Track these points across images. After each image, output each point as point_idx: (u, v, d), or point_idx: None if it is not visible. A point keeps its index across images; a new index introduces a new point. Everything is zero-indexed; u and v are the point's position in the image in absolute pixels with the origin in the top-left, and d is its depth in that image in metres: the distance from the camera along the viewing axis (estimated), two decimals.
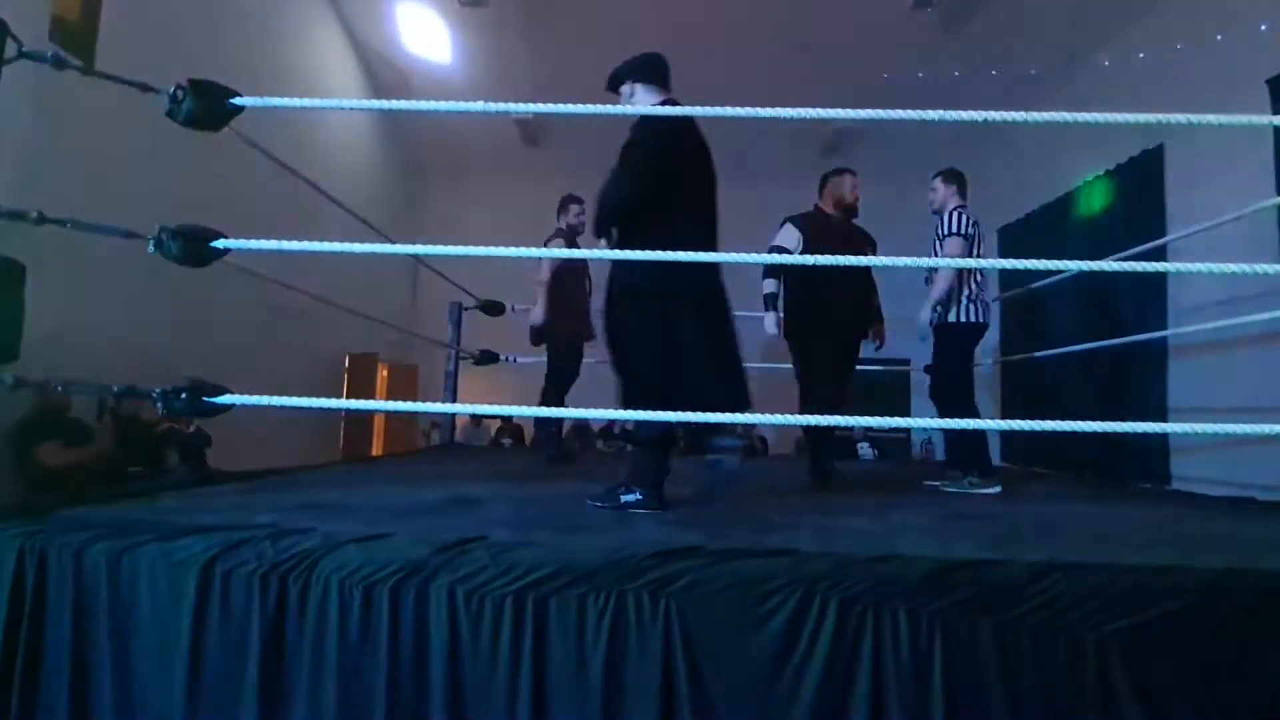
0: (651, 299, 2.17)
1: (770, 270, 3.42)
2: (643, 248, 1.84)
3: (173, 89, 1.74)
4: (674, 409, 1.72)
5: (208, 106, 1.70)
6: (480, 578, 1.32)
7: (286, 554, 1.35)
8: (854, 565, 1.34)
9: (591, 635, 1.30)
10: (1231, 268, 1.72)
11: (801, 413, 2.81)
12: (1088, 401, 5.44)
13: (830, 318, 3.27)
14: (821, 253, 2.95)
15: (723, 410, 1.74)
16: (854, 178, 3.49)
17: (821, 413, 1.83)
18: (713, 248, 2.28)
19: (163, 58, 4.04)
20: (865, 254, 3.38)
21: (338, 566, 1.35)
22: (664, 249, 1.74)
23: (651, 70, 2.47)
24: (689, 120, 2.33)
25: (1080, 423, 1.63)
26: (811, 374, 3.30)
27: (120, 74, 1.80)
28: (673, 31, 6.89)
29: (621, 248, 2.21)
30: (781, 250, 3.30)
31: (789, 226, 3.40)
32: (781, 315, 3.46)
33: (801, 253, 3.23)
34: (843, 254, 3.08)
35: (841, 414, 1.83)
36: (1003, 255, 7.16)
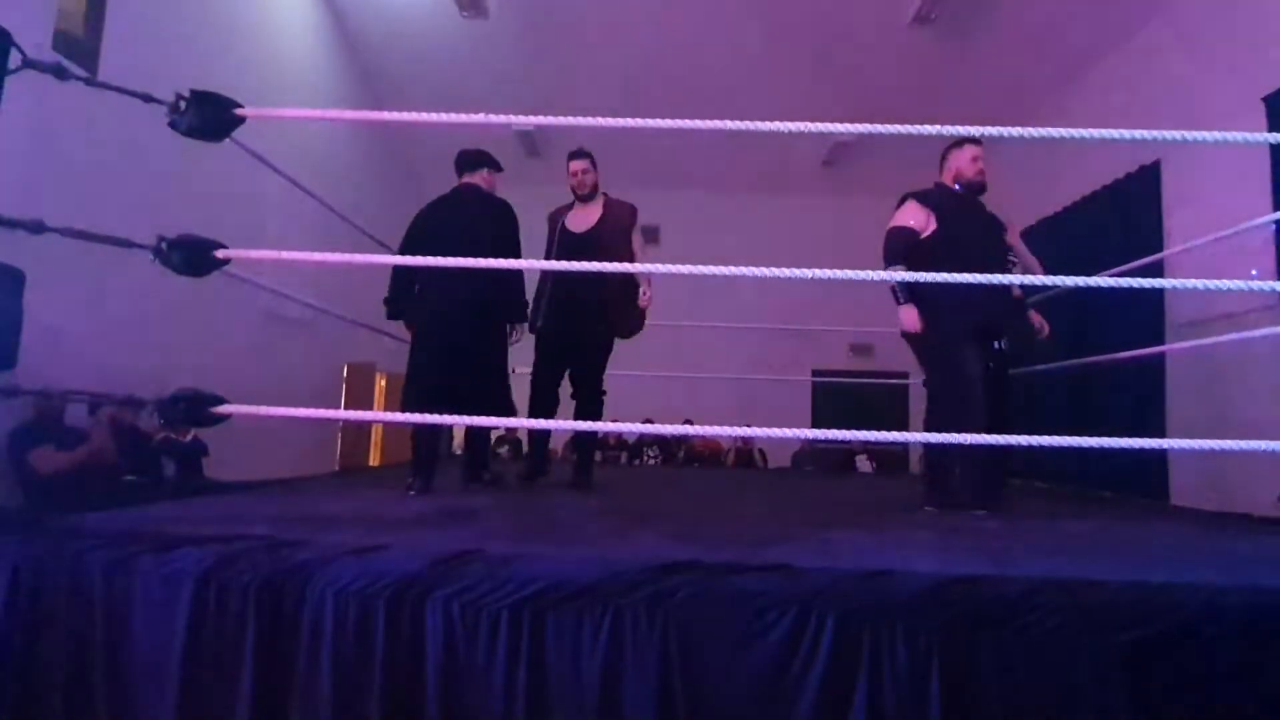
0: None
1: (896, 255, 2.83)
2: None
3: (175, 99, 1.75)
4: None
5: (210, 117, 1.71)
6: (476, 591, 1.32)
7: (282, 566, 1.35)
8: (850, 581, 1.33)
9: (588, 650, 1.29)
10: (1227, 284, 1.73)
11: (935, 429, 2.43)
12: (1084, 416, 5.45)
13: (978, 313, 2.71)
14: (958, 233, 2.79)
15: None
16: (976, 148, 2.98)
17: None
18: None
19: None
20: (1002, 240, 3.02)
21: (333, 579, 1.34)
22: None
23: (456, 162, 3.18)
24: (441, 200, 3.07)
25: (1085, 438, 1.63)
26: (962, 383, 2.70)
27: (111, 78, 1.82)
28: (672, 47, 6.97)
29: None
30: (908, 233, 2.85)
31: (912, 204, 2.92)
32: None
33: (934, 234, 2.81)
34: (982, 237, 2.84)
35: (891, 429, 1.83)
36: None
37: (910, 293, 2.75)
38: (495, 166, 3.18)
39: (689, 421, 7.92)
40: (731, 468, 7.48)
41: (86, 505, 1.83)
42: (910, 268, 2.74)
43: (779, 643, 1.28)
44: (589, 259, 2.90)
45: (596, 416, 3.27)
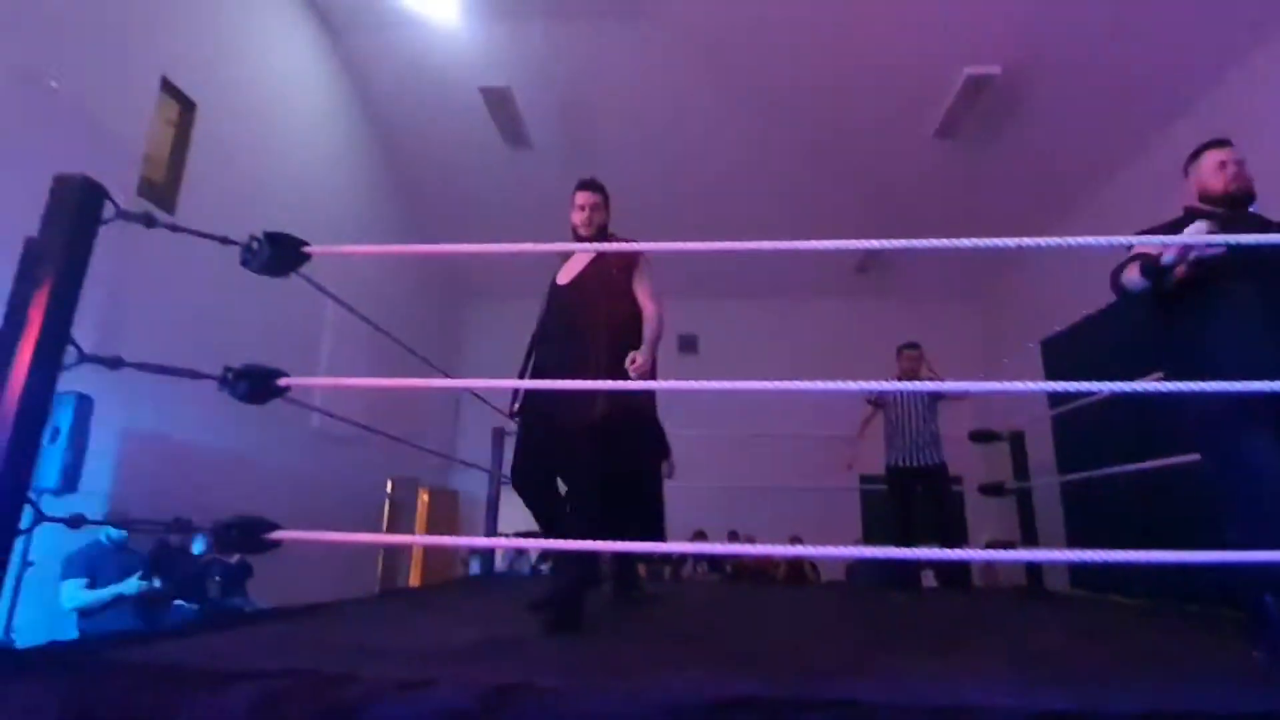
0: None
1: (1120, 272, 2.14)
2: None
3: (249, 240, 1.89)
4: None
5: (280, 256, 1.83)
6: None
7: (328, 702, 1.31)
8: (924, 718, 1.23)
9: None
10: None
11: (1236, 542, 1.79)
12: (1155, 520, 5.14)
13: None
14: (1225, 264, 1.98)
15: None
16: (1222, 151, 2.23)
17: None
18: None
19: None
20: None
21: (380, 716, 1.29)
22: None
23: None
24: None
25: (1193, 553, 1.51)
26: (1247, 475, 1.89)
27: (186, 215, 1.96)
28: (709, 167, 7.33)
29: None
30: (1144, 257, 2.07)
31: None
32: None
33: (1189, 271, 2.02)
34: (1264, 262, 1.97)
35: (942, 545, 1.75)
36: (1047, 369, 7.06)
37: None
38: None
39: (734, 533, 7.69)
40: (783, 582, 7.17)
41: (134, 635, 1.82)
42: (1165, 322, 2.12)
43: None
44: (571, 318, 2.50)
45: (652, 526, 2.69)
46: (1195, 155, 2.31)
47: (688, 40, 6.00)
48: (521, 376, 2.56)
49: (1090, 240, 1.95)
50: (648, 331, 2.51)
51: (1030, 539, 4.65)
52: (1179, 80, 5.49)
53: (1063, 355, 6.90)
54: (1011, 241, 1.89)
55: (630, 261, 2.61)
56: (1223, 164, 2.21)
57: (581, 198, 2.66)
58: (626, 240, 2.61)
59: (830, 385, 1.73)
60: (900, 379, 4.50)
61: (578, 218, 2.65)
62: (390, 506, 7.55)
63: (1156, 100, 5.73)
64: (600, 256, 2.61)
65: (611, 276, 2.57)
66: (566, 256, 2.72)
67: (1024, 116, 6.30)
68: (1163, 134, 5.88)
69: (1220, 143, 2.27)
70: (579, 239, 2.65)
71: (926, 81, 6.00)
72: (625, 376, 2.33)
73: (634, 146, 7.11)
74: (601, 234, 2.68)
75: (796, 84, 6.30)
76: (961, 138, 6.50)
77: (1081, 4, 5.21)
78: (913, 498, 4.36)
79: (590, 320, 2.48)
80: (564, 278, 2.64)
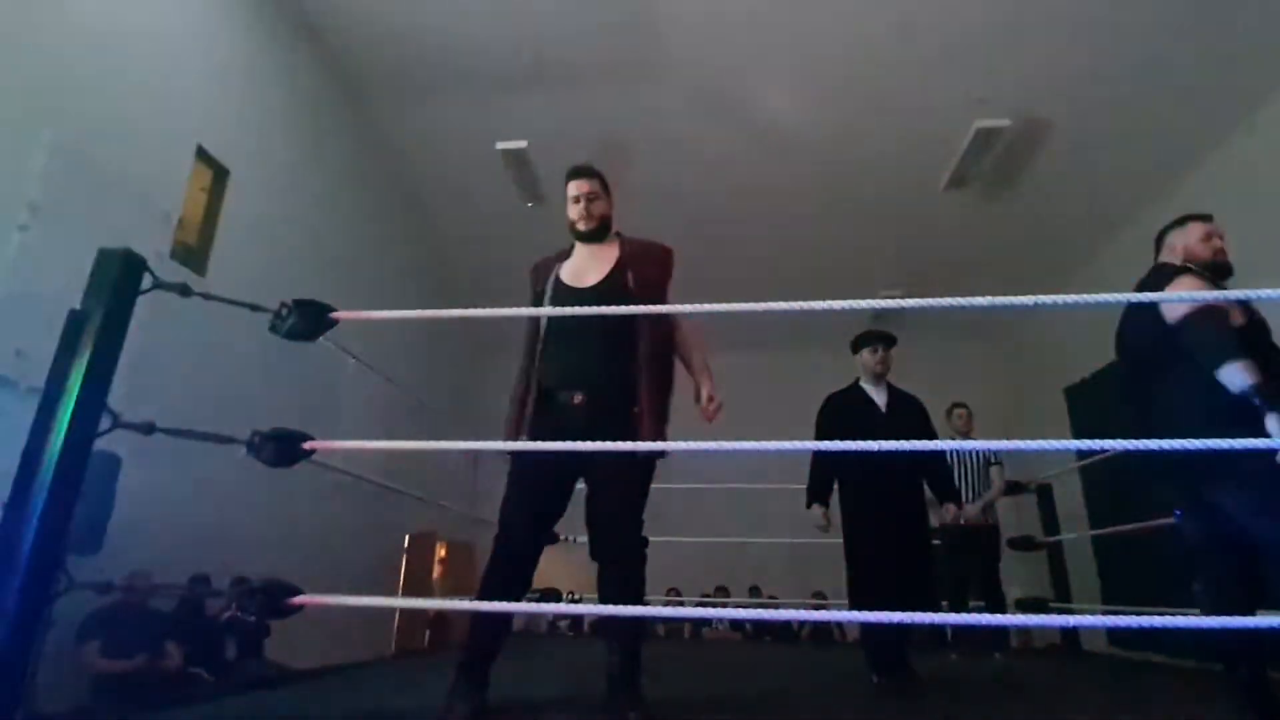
0: None
1: (1232, 345, 1.93)
2: None
3: (279, 307, 1.93)
4: None
5: (308, 322, 1.87)
6: None
7: None
8: None
9: None
10: None
11: None
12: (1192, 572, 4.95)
13: None
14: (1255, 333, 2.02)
15: None
16: (1209, 224, 2.32)
17: None
18: None
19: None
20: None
21: None
22: None
23: None
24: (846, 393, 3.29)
25: None
26: None
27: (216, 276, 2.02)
28: (722, 221, 7.43)
29: None
30: (1225, 315, 2.01)
31: (1193, 280, 2.12)
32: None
33: (1245, 329, 2.04)
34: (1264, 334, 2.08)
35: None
36: (1071, 416, 6.95)
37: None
38: (891, 342, 3.24)
39: (755, 587, 7.55)
40: (807, 640, 6.98)
41: (149, 701, 1.81)
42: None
43: None
44: (604, 328, 1.98)
45: (638, 589, 1.98)
46: (1180, 223, 2.38)
47: (699, 98, 6.16)
48: (525, 396, 2.14)
49: (1104, 297, 1.92)
50: (699, 358, 2.14)
51: (1063, 595, 4.52)
52: (1187, 133, 5.54)
53: (1087, 402, 6.80)
54: (1028, 300, 1.87)
55: (666, 272, 2.17)
56: (1209, 235, 2.31)
57: (574, 187, 2.21)
58: (633, 240, 2.27)
59: (899, 445, 1.72)
60: (955, 439, 4.64)
61: (574, 212, 2.22)
62: (407, 562, 7.49)
63: (1165, 152, 5.78)
64: (629, 255, 2.17)
65: (651, 283, 2.11)
66: (565, 252, 2.26)
67: (1034, 168, 6.35)
68: (1172, 184, 5.91)
69: (1206, 216, 2.37)
70: (580, 236, 2.22)
71: (937, 135, 6.09)
72: (666, 409, 2.06)
73: (647, 202, 7.23)
74: (604, 227, 2.24)
75: (810, 139, 6.42)
76: (973, 189, 6.56)
77: (1088, 58, 5.30)
78: (965, 557, 4.32)
79: (630, 336, 2.03)
80: (581, 279, 2.12)
